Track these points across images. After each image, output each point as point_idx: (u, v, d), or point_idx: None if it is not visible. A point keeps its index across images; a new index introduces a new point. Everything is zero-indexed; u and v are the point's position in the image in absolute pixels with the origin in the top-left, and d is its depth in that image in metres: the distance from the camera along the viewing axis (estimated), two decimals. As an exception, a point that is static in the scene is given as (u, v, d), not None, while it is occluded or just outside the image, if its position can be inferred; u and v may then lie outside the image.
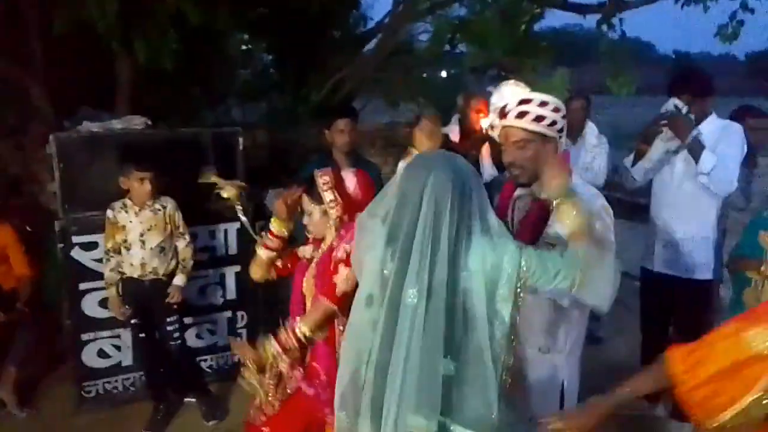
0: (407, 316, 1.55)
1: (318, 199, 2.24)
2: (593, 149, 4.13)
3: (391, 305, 1.58)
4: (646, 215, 3.56)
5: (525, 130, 2.04)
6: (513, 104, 2.05)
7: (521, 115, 2.02)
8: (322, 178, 2.23)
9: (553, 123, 2.04)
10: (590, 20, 5.71)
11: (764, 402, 1.38)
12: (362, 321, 1.71)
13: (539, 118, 2.02)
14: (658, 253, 3.23)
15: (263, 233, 2.41)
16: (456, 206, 1.59)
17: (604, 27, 5.31)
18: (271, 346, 2.13)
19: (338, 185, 2.27)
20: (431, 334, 1.54)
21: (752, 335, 1.41)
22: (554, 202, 1.83)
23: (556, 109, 2.04)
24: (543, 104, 2.02)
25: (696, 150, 2.94)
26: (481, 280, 1.60)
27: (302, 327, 2.14)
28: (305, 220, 2.30)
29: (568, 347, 2.17)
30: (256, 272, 2.44)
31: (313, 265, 2.32)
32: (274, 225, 2.32)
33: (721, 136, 3.02)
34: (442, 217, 1.57)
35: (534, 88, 2.20)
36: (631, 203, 7.58)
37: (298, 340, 2.14)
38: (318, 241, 2.34)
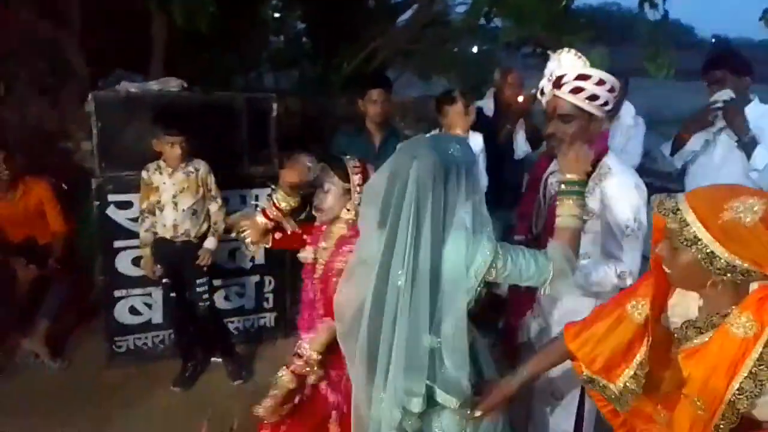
0: (393, 296, 1.61)
1: (343, 177, 2.08)
2: (629, 131, 4.05)
3: (378, 282, 1.64)
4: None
5: (575, 105, 2.00)
6: (570, 77, 1.99)
7: (576, 90, 1.99)
8: (353, 162, 2.11)
9: (606, 103, 2.01)
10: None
11: (643, 370, 1.56)
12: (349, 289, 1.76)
13: (593, 97, 1.98)
14: None
15: (268, 197, 2.21)
16: (439, 194, 1.61)
17: (647, 6, 5.16)
18: (287, 377, 2.06)
19: (365, 175, 2.10)
20: (416, 314, 1.60)
21: (630, 307, 1.59)
22: (562, 188, 1.80)
23: (611, 89, 2.00)
24: (600, 83, 1.98)
25: (750, 146, 2.87)
26: (456, 269, 1.62)
27: (312, 353, 2.05)
28: (317, 200, 2.11)
29: None
30: (251, 234, 2.21)
31: (319, 268, 2.15)
32: (279, 196, 2.12)
33: (766, 126, 2.93)
34: (426, 204, 1.59)
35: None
36: (661, 188, 7.49)
37: (311, 363, 2.06)
38: (318, 229, 2.19)
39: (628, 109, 4.09)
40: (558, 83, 2.02)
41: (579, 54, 2.05)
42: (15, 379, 3.41)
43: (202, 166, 3.30)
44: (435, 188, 1.60)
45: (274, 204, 2.14)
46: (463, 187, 1.64)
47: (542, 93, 2.13)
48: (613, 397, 1.65)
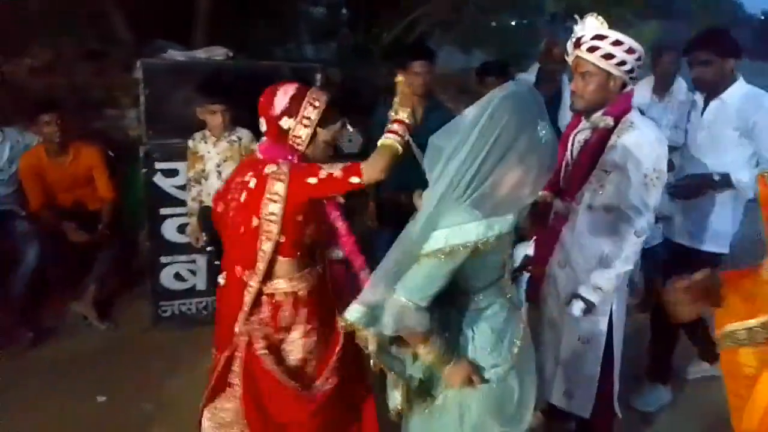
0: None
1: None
2: (681, 106, 3.94)
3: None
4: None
5: (593, 63, 2.14)
6: (588, 37, 2.14)
7: (592, 49, 2.12)
8: None
9: (622, 63, 2.12)
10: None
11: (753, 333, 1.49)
12: None
13: (608, 56, 2.11)
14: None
15: None
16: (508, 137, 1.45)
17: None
18: None
19: None
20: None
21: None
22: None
23: (630, 50, 2.12)
24: (617, 43, 2.10)
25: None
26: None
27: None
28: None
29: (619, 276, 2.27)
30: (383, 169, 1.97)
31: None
32: None
33: (751, 112, 2.78)
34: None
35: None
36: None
37: None
38: None
39: (681, 85, 3.98)
40: (578, 43, 2.17)
41: (601, 18, 2.19)
42: (65, 340, 3.53)
43: (245, 134, 3.31)
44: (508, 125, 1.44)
45: None
46: (525, 173, 1.49)
47: (567, 54, 2.26)
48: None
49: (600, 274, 2.25)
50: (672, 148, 3.89)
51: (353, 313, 1.60)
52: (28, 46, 4.36)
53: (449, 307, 1.65)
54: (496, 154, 1.45)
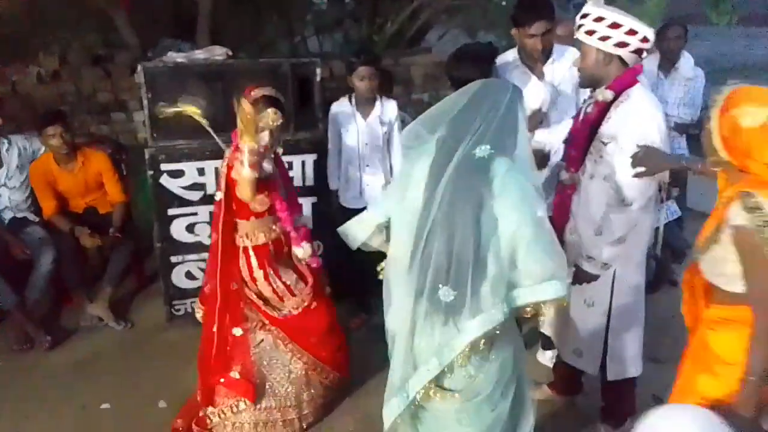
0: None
1: None
2: (687, 82, 3.87)
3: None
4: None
5: (581, 41, 2.26)
6: (588, 19, 2.26)
7: (578, 27, 2.26)
8: None
9: (606, 38, 2.19)
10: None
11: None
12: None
13: (590, 32, 2.21)
14: None
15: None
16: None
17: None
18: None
19: None
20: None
21: None
22: None
23: (614, 25, 2.17)
24: (598, 19, 2.19)
25: None
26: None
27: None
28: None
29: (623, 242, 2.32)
30: (248, 194, 2.48)
31: None
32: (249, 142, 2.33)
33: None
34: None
35: (627, 13, 2.24)
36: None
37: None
38: None
39: (687, 60, 3.90)
40: (578, 25, 2.27)
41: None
42: (82, 342, 3.62)
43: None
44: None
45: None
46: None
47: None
48: None
49: (592, 243, 2.32)
50: (683, 125, 3.87)
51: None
52: (35, 55, 4.42)
53: None
54: None
